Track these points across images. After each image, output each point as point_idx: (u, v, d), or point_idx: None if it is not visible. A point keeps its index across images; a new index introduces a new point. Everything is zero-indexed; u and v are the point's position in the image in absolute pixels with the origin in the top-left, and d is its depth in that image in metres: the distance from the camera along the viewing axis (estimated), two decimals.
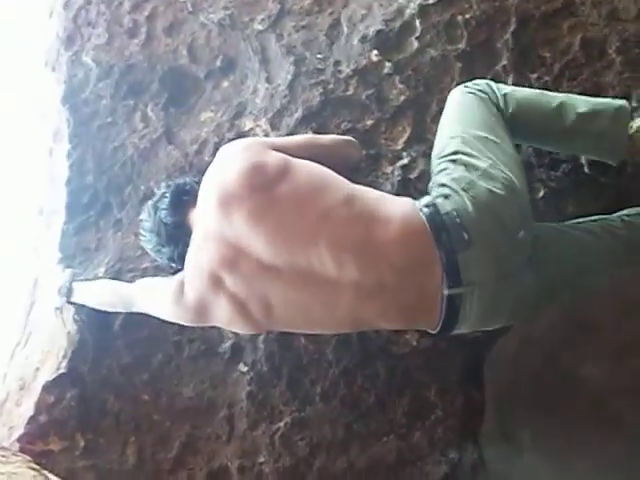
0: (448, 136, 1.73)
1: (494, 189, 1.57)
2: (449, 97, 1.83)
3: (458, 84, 2.00)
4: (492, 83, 1.82)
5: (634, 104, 1.92)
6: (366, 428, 2.01)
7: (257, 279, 1.57)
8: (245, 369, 2.01)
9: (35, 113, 2.30)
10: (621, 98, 1.86)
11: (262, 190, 1.57)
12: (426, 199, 1.62)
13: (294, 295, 1.58)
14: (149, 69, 2.15)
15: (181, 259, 1.69)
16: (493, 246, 1.56)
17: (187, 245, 1.68)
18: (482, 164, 1.61)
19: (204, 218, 1.64)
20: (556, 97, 1.81)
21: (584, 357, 1.96)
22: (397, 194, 1.98)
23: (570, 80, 1.98)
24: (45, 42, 2.21)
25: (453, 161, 1.65)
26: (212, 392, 2.02)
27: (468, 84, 1.82)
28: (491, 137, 1.67)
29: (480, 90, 1.78)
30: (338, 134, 2.03)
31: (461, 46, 2.02)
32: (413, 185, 2.00)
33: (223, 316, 1.64)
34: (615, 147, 1.78)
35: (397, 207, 1.60)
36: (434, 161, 1.72)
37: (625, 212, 1.82)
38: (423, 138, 2.02)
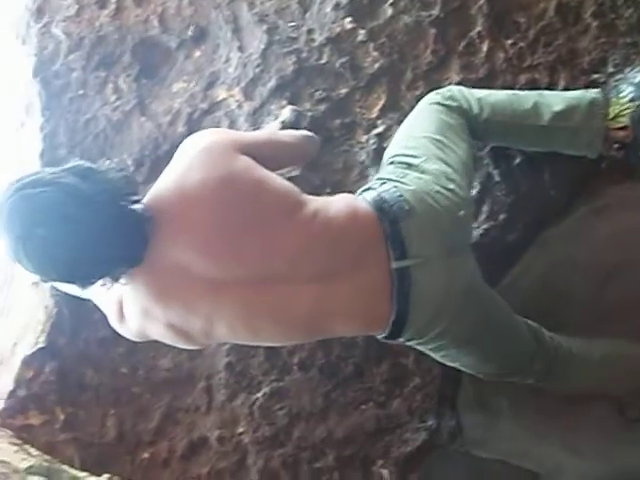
0: (394, 142, 1.77)
1: (425, 177, 1.60)
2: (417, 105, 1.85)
3: (433, 51, 2.00)
4: (464, 89, 1.83)
5: (610, 69, 1.91)
6: (344, 397, 2.03)
7: (200, 302, 1.48)
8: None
9: (5, 86, 2.27)
10: (596, 66, 1.89)
11: (223, 207, 1.47)
12: (364, 189, 1.66)
13: (245, 307, 1.49)
14: (120, 40, 2.11)
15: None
16: (433, 218, 1.56)
17: None
18: (417, 160, 1.63)
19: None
20: (529, 97, 1.82)
21: (562, 326, 1.98)
22: (371, 163, 1.99)
23: (545, 46, 1.96)
24: (14, 14, 2.17)
25: (391, 163, 1.68)
26: (190, 363, 2.03)
27: (439, 90, 1.83)
28: (437, 137, 1.69)
29: (450, 97, 1.79)
30: (312, 103, 2.02)
31: (435, 12, 1.99)
32: None
33: (166, 339, 1.56)
34: (592, 141, 1.79)
35: (341, 201, 1.59)
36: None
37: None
38: (398, 106, 2.00)
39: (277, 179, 1.55)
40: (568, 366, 1.85)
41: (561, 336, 1.87)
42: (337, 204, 1.57)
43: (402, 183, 1.59)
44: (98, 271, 1.39)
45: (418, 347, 1.74)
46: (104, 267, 1.39)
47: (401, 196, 1.55)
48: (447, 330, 1.61)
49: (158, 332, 1.52)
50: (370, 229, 1.53)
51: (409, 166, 1.64)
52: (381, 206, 1.54)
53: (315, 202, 1.55)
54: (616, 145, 1.81)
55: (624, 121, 1.78)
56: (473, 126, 1.79)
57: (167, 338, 1.54)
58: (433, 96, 1.82)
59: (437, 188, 1.59)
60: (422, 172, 1.61)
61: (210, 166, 1.47)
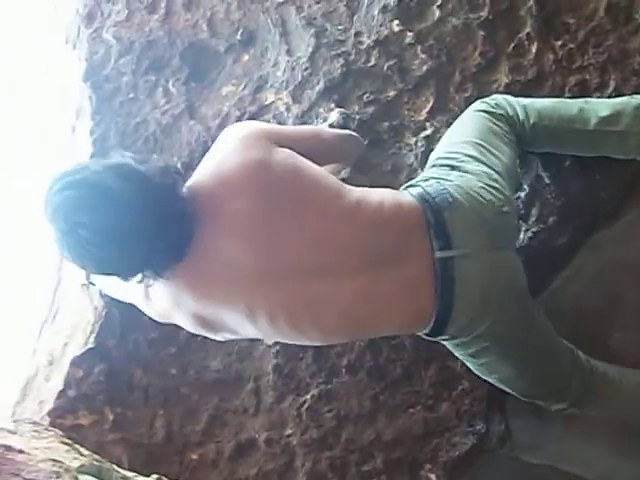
0: (438, 147, 1.78)
1: (468, 176, 1.59)
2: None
3: (481, 53, 2.00)
4: (509, 97, 1.84)
5: None
6: (393, 400, 2.02)
7: (238, 296, 1.46)
8: (271, 342, 2.02)
9: (57, 91, 2.30)
10: None
11: (264, 194, 1.46)
12: (407, 185, 1.67)
13: (288, 300, 1.47)
14: (169, 44, 2.14)
15: None
16: (478, 210, 1.54)
17: None
18: (460, 162, 1.63)
19: None
20: (575, 103, 1.82)
21: (611, 328, 1.96)
22: (420, 165, 1.99)
23: (595, 47, 1.95)
24: (65, 19, 2.20)
25: (434, 165, 1.68)
26: (239, 365, 2.03)
27: (485, 99, 1.83)
28: (479, 142, 1.68)
29: (495, 105, 1.79)
30: (360, 106, 2.03)
31: (483, 14, 1.99)
32: None
33: (188, 327, 1.55)
34: None
35: (384, 192, 1.59)
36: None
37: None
38: (446, 108, 2.00)
39: (316, 167, 1.53)
40: (604, 389, 1.82)
41: (595, 360, 1.83)
42: (381, 194, 1.56)
43: (445, 180, 1.59)
44: (137, 269, 1.41)
45: (458, 352, 1.73)
46: (144, 265, 1.40)
47: (445, 189, 1.55)
48: (490, 330, 1.58)
49: (182, 320, 1.52)
50: (414, 219, 1.52)
51: (452, 167, 1.64)
52: (425, 197, 1.54)
53: (358, 192, 1.54)
54: None
55: None
56: (520, 133, 1.78)
57: (190, 326, 1.53)
58: (478, 104, 1.82)
59: (481, 184, 1.58)
60: (465, 172, 1.61)
61: (247, 152, 1.47)
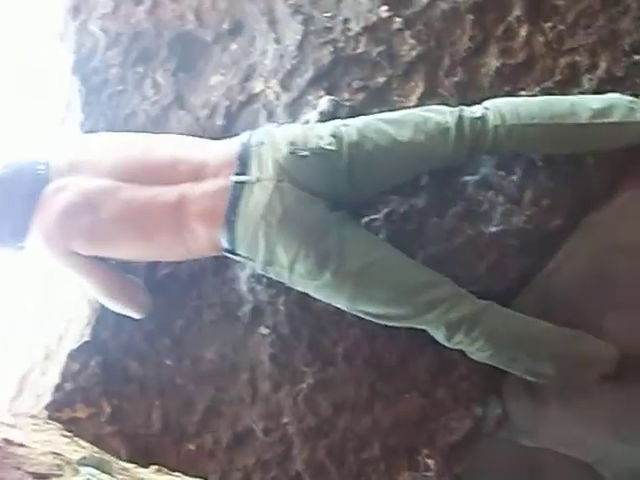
0: None
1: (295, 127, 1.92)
2: None
3: (470, 37, 1.98)
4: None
5: None
6: (389, 386, 2.02)
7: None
8: (266, 332, 2.02)
9: (45, 83, 2.30)
10: (638, 47, 1.86)
11: None
12: None
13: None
14: (157, 35, 2.14)
15: None
16: (277, 149, 1.78)
17: None
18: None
19: None
20: (566, 99, 1.83)
21: (605, 309, 1.96)
22: None
23: (585, 28, 1.93)
24: (52, 12, 2.20)
25: None
26: (234, 355, 2.04)
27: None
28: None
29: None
30: (350, 93, 2.02)
31: None
32: None
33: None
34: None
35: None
36: None
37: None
38: (436, 93, 1.98)
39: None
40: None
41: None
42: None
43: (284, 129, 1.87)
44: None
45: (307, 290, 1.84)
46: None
47: (265, 134, 1.83)
48: (301, 258, 1.72)
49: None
50: (232, 154, 1.82)
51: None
52: (250, 135, 1.84)
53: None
54: None
55: None
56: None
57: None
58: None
59: (298, 132, 1.82)
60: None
61: None
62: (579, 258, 1.98)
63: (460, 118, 1.80)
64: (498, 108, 1.81)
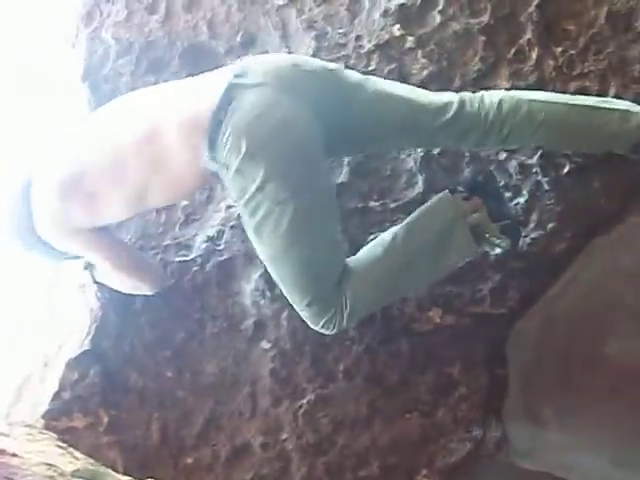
0: None
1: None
2: None
3: (481, 58, 1.99)
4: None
5: None
6: (389, 405, 2.01)
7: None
8: (268, 346, 2.01)
9: (56, 90, 2.29)
10: None
11: None
12: None
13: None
14: (169, 45, 2.14)
15: None
16: (280, 66, 1.74)
17: None
18: None
19: None
20: (566, 96, 1.86)
21: (607, 334, 1.96)
22: (419, 170, 1.99)
23: (596, 54, 1.95)
24: (64, 18, 2.19)
25: None
26: (235, 369, 2.03)
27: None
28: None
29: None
30: None
31: (484, 19, 1.99)
32: (436, 160, 1.99)
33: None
34: None
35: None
36: None
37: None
38: None
39: None
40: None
41: None
42: None
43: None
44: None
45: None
46: None
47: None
48: (267, 177, 1.64)
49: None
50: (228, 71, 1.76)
51: None
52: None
53: None
54: None
55: None
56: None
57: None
58: None
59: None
60: None
61: None
62: (583, 282, 1.99)
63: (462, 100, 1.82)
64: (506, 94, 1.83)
